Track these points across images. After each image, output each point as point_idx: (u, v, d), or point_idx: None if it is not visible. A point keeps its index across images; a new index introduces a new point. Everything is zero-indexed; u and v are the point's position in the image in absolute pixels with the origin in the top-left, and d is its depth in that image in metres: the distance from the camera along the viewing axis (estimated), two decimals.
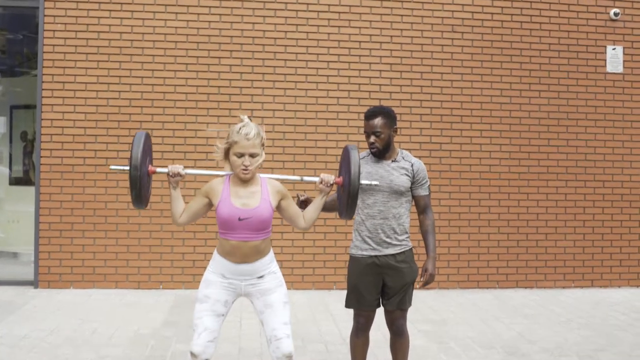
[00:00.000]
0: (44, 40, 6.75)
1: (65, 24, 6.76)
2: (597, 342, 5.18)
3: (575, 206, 7.40)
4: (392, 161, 3.74)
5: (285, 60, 7.00)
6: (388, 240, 3.68)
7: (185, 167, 3.22)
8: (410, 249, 3.79)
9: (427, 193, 3.83)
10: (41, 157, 6.75)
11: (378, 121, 3.66)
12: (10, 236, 8.14)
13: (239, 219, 3.10)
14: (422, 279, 3.75)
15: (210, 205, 3.22)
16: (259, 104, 6.94)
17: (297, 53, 7.01)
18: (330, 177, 3.21)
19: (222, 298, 3.18)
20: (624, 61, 7.48)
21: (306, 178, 3.36)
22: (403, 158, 3.77)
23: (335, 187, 3.37)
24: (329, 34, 7.05)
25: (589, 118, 7.43)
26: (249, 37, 6.96)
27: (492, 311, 6.17)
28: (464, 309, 6.23)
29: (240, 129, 3.11)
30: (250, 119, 3.18)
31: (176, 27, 6.88)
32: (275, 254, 3.37)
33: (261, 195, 3.15)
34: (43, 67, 6.75)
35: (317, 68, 7.03)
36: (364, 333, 3.76)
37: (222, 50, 6.93)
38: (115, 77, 6.82)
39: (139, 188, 3.09)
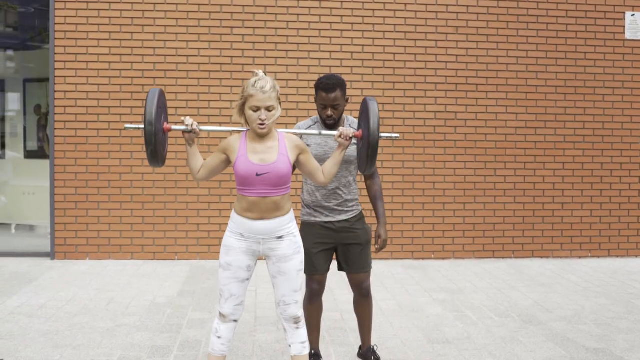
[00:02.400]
0: (55, 12, 6.71)
1: None
2: (615, 310, 5.14)
3: (592, 175, 7.31)
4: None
5: (298, 29, 6.92)
6: (339, 208, 3.71)
7: (200, 123, 3.17)
8: (361, 212, 3.83)
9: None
10: (55, 129, 6.75)
11: (337, 94, 3.58)
12: (26, 209, 8.19)
13: (257, 175, 3.04)
14: (376, 246, 3.78)
15: (228, 161, 3.17)
16: (272, 73, 6.88)
17: (309, 22, 6.92)
18: (350, 130, 3.15)
19: (244, 264, 3.15)
20: None
21: (324, 132, 3.31)
22: (350, 125, 3.75)
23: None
24: (342, 1, 6.96)
25: (607, 86, 7.31)
26: (261, 5, 6.88)
27: (508, 280, 6.14)
28: (480, 278, 6.21)
29: (255, 82, 3.04)
30: (265, 73, 3.11)
31: None
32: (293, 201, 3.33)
33: (279, 150, 3.09)
34: (55, 39, 6.72)
35: (331, 37, 6.95)
36: (318, 298, 3.77)
37: (234, 20, 6.86)
38: (128, 49, 6.78)
39: (155, 144, 3.02)
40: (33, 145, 8.49)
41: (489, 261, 7.05)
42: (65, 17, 6.72)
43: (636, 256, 7.37)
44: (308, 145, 3.68)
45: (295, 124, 6.76)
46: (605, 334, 4.51)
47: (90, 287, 5.66)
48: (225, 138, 3.24)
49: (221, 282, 3.17)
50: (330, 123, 3.65)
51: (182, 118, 3.13)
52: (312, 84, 6.86)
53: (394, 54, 7.03)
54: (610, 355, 4.09)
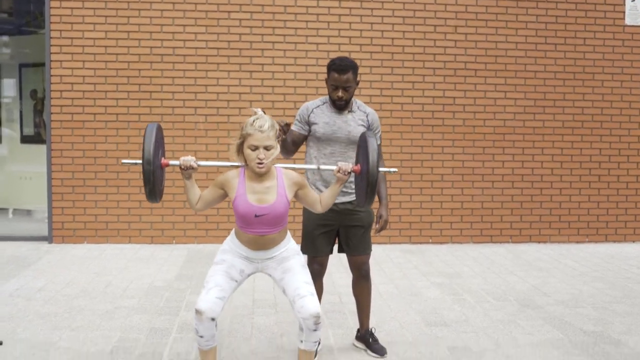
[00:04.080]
0: None
1: None
2: (612, 294, 5.16)
3: (590, 161, 7.31)
4: (349, 112, 3.75)
5: (296, 13, 6.88)
6: (344, 189, 3.71)
7: (198, 159, 3.09)
8: None
9: (379, 142, 3.82)
10: (51, 113, 6.72)
11: (349, 76, 3.63)
12: (23, 193, 8.17)
13: (255, 216, 3.06)
14: (377, 226, 3.80)
15: (225, 195, 3.16)
16: (269, 58, 6.86)
17: (307, 6, 6.89)
18: (348, 166, 3.14)
19: (238, 266, 3.16)
20: None
21: (323, 167, 3.30)
22: (358, 108, 3.79)
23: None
24: None
25: (606, 72, 7.29)
26: None
27: (505, 265, 6.16)
28: (478, 263, 6.22)
29: (253, 121, 3.02)
30: (263, 112, 3.10)
31: None
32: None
33: (277, 190, 3.08)
34: (51, 23, 6.67)
35: (329, 21, 6.91)
36: (319, 279, 3.78)
37: (231, 3, 6.82)
38: (124, 32, 6.73)
39: (153, 182, 2.99)
40: (29, 130, 8.45)
41: (487, 246, 7.06)
42: (60, 1, 6.67)
43: (633, 241, 7.39)
44: (316, 123, 3.71)
45: (292, 108, 6.78)
46: (602, 317, 4.52)
47: (89, 270, 5.65)
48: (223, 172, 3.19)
49: (209, 274, 3.15)
50: (340, 104, 3.69)
51: (181, 157, 3.06)
52: (310, 69, 6.89)
53: (392, 38, 7.00)
54: (607, 337, 4.10)
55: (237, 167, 3.14)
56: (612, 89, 7.30)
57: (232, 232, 3.24)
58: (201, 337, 3.09)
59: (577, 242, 7.31)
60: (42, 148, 7.08)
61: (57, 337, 3.92)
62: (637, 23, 7.33)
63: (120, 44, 6.74)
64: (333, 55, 6.80)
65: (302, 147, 3.89)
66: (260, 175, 3.07)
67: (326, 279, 5.27)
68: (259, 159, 3.00)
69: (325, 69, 3.83)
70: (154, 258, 6.18)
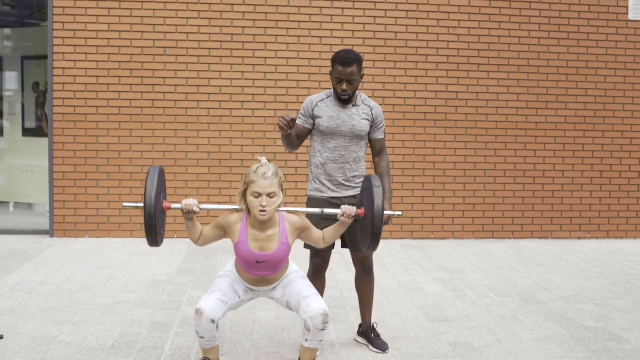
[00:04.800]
0: None
1: None
2: (614, 290, 5.15)
3: (592, 157, 7.30)
4: (353, 105, 3.74)
5: (299, 7, 6.85)
6: (347, 183, 3.73)
7: (201, 202, 3.09)
8: None
9: (383, 136, 3.88)
10: (54, 106, 6.71)
11: (354, 69, 3.62)
12: (25, 187, 8.17)
13: (257, 262, 3.09)
14: None
15: (225, 235, 3.19)
16: (272, 51, 6.84)
17: None
18: (352, 209, 3.15)
19: (242, 287, 3.23)
20: None
21: (327, 211, 3.28)
22: (363, 102, 3.78)
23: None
24: None
25: (609, 67, 7.27)
26: None
27: (507, 260, 6.15)
28: (480, 259, 6.21)
29: (258, 168, 3.03)
30: (268, 161, 3.10)
31: None
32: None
33: (279, 239, 3.10)
34: (53, 15, 6.65)
35: (332, 15, 6.89)
36: (321, 274, 3.79)
37: None
38: (127, 25, 6.71)
39: (155, 234, 2.97)
40: (31, 123, 8.44)
41: (489, 241, 7.06)
42: None
43: (635, 238, 7.38)
44: (320, 117, 3.70)
45: (295, 102, 6.76)
46: (604, 314, 4.52)
47: (90, 264, 5.65)
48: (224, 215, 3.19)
49: (213, 283, 3.21)
50: (345, 97, 3.67)
51: (183, 201, 3.05)
52: (313, 62, 6.87)
53: (396, 32, 6.97)
54: (609, 334, 4.10)
55: (239, 210, 3.14)
56: (614, 85, 7.28)
57: (234, 262, 3.26)
58: (202, 337, 3.11)
59: (579, 238, 7.30)
60: (44, 141, 7.07)
61: (58, 332, 3.92)
62: None
63: (123, 36, 6.72)
64: (336, 49, 6.78)
65: (307, 142, 3.88)
66: (262, 222, 3.08)
67: (328, 275, 5.27)
68: (261, 206, 3.00)
69: (328, 63, 3.82)
70: (156, 252, 6.17)
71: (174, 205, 3.08)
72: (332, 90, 3.76)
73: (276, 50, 6.83)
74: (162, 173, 3.09)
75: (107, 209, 6.77)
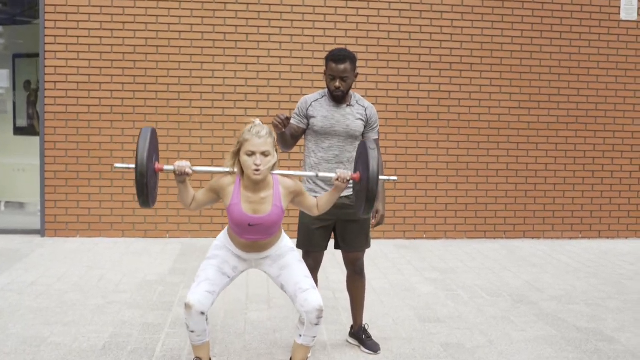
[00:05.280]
0: None
1: None
2: (605, 290, 5.17)
3: (584, 157, 7.32)
4: (347, 105, 3.74)
5: (292, 5, 6.84)
6: None
7: (193, 165, 3.04)
8: None
9: (378, 137, 3.87)
10: (45, 105, 6.67)
11: (347, 66, 3.62)
12: (16, 186, 8.12)
13: (249, 225, 3.05)
14: (373, 221, 3.80)
15: (219, 199, 3.14)
16: (265, 50, 6.82)
17: None
18: (347, 173, 3.11)
19: (232, 263, 3.16)
20: (639, 8, 7.30)
21: (321, 174, 3.26)
22: (357, 102, 3.78)
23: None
24: None
25: (601, 67, 7.29)
26: None
27: (499, 260, 6.16)
28: (472, 258, 6.22)
29: (251, 128, 2.99)
30: (261, 122, 3.06)
31: None
32: None
33: (272, 201, 3.06)
34: (45, 12, 6.61)
35: (325, 14, 6.88)
36: (313, 275, 3.77)
37: None
38: (119, 24, 6.68)
39: (147, 195, 2.93)
40: (23, 121, 8.39)
41: (481, 241, 7.07)
42: None
43: (626, 237, 7.41)
44: (314, 117, 3.70)
45: (288, 102, 6.75)
46: (596, 314, 4.53)
47: (81, 264, 5.63)
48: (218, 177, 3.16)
49: (200, 268, 3.15)
50: (338, 95, 3.67)
51: (175, 162, 3.01)
52: (306, 62, 6.86)
53: (389, 31, 6.97)
54: (601, 334, 4.11)
55: (232, 173, 3.09)
56: (606, 85, 7.30)
57: (226, 230, 3.22)
58: (192, 332, 3.10)
59: (571, 238, 7.32)
60: (36, 140, 7.03)
61: (48, 332, 3.90)
62: (633, 18, 7.32)
63: (116, 35, 6.69)
64: (329, 48, 6.76)
65: (301, 142, 3.87)
66: (256, 183, 3.02)
67: (320, 275, 5.26)
68: (255, 165, 2.95)
69: (321, 62, 3.81)
70: (148, 252, 6.16)
71: (166, 167, 3.04)
72: (326, 90, 3.75)
73: (269, 49, 6.81)
74: (154, 134, 3.03)
75: (99, 208, 6.74)
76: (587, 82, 7.27)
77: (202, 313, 3.02)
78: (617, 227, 7.41)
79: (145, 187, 2.91)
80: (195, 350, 3.19)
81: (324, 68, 3.72)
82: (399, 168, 7.01)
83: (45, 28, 6.62)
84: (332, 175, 3.15)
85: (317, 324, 3.09)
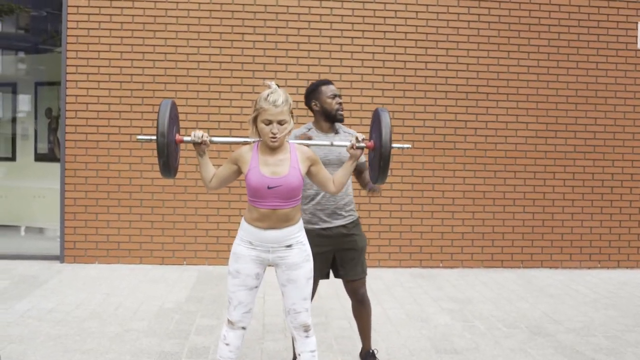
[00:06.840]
0: (67, 16, 6.75)
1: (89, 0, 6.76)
2: (624, 322, 5.11)
3: (602, 185, 7.28)
4: (335, 133, 3.82)
5: (309, 36, 6.93)
6: (338, 211, 3.78)
7: (210, 129, 3.17)
8: (357, 218, 3.91)
9: (365, 160, 3.95)
10: (66, 133, 6.78)
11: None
12: (36, 212, 8.23)
13: (268, 187, 3.06)
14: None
15: (239, 172, 3.20)
16: (282, 80, 6.89)
17: (320, 29, 6.94)
18: (361, 136, 3.19)
19: (253, 272, 3.17)
20: None
21: (336, 142, 3.31)
22: (343, 131, 3.89)
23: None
24: (352, 9, 6.96)
25: (618, 96, 7.28)
26: (272, 12, 6.90)
27: (516, 290, 6.12)
28: (488, 288, 6.19)
29: (268, 95, 3.04)
30: (278, 86, 3.12)
31: (199, 3, 6.84)
32: None
33: (290, 163, 3.10)
34: (67, 43, 6.76)
35: (341, 44, 6.95)
36: None
37: (245, 26, 6.88)
38: (139, 54, 6.81)
39: (167, 155, 3.05)
40: (44, 147, 8.53)
41: (498, 271, 7.03)
42: (77, 21, 6.75)
43: None
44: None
45: (297, 122, 6.79)
46: (615, 347, 4.48)
47: (99, 291, 5.68)
48: (237, 149, 3.24)
49: (230, 289, 3.19)
50: (342, 113, 3.81)
51: (192, 132, 3.14)
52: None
53: (404, 61, 7.03)
54: None
55: (249, 143, 3.19)
56: (624, 114, 7.29)
57: (242, 220, 3.24)
58: (227, 344, 3.19)
59: (589, 267, 7.26)
60: (56, 166, 7.14)
61: None
62: None
63: (135, 64, 6.81)
64: (346, 78, 6.87)
65: None
66: (273, 148, 3.10)
67: (337, 304, 5.28)
68: (272, 133, 3.03)
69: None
70: (165, 279, 6.20)
71: (186, 138, 3.15)
72: (310, 123, 3.85)
73: (285, 79, 6.88)
74: (174, 106, 3.15)
75: (117, 235, 6.80)
76: (604, 111, 7.26)
77: (244, 328, 3.20)
78: (637, 257, 7.34)
79: (166, 148, 3.04)
80: None
81: (315, 101, 3.81)
82: (415, 197, 7.03)
83: (67, 58, 6.76)
84: (347, 143, 3.22)
85: (307, 336, 3.18)
